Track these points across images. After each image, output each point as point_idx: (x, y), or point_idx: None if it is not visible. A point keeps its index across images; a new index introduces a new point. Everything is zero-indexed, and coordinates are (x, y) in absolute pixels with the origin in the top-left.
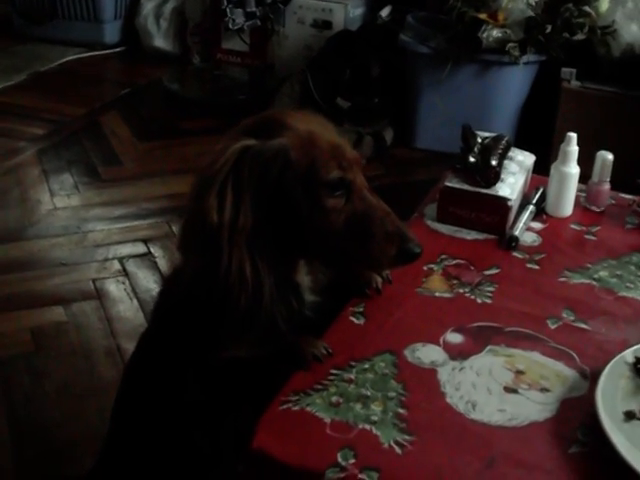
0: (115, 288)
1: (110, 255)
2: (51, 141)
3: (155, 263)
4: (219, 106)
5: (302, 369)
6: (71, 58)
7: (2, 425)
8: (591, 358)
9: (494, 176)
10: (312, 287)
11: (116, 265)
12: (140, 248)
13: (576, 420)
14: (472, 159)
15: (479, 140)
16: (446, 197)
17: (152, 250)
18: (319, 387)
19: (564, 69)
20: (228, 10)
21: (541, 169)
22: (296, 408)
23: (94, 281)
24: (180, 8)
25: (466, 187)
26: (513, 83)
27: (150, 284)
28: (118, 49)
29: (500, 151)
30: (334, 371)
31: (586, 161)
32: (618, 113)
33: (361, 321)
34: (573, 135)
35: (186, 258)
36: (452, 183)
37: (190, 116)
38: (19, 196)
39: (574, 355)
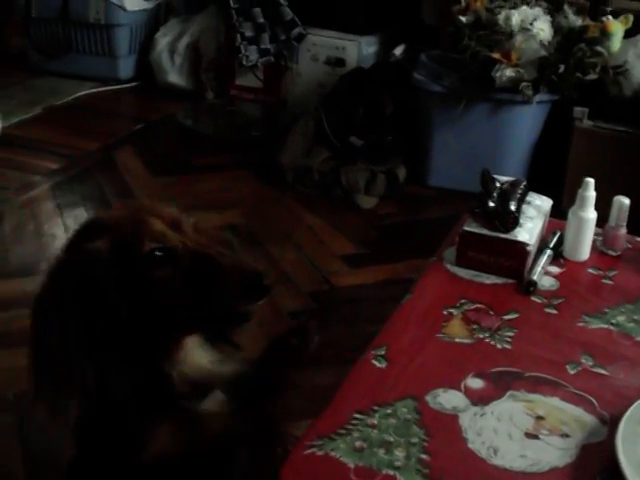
0: None
1: None
2: (65, 175)
3: None
4: (233, 142)
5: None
6: (85, 92)
7: (17, 460)
8: (610, 403)
9: (513, 221)
10: (222, 358)
11: None
12: None
13: (596, 466)
14: (491, 204)
15: (497, 185)
16: (465, 241)
17: None
18: (342, 432)
19: (576, 108)
20: (242, 47)
21: (553, 208)
22: (320, 453)
23: None
24: (194, 44)
25: (485, 232)
26: (526, 122)
27: None
28: (132, 84)
29: (519, 196)
30: (357, 415)
31: (598, 201)
32: (630, 152)
33: (383, 365)
34: (591, 180)
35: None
36: (471, 228)
37: (204, 152)
38: (34, 230)
39: (593, 401)
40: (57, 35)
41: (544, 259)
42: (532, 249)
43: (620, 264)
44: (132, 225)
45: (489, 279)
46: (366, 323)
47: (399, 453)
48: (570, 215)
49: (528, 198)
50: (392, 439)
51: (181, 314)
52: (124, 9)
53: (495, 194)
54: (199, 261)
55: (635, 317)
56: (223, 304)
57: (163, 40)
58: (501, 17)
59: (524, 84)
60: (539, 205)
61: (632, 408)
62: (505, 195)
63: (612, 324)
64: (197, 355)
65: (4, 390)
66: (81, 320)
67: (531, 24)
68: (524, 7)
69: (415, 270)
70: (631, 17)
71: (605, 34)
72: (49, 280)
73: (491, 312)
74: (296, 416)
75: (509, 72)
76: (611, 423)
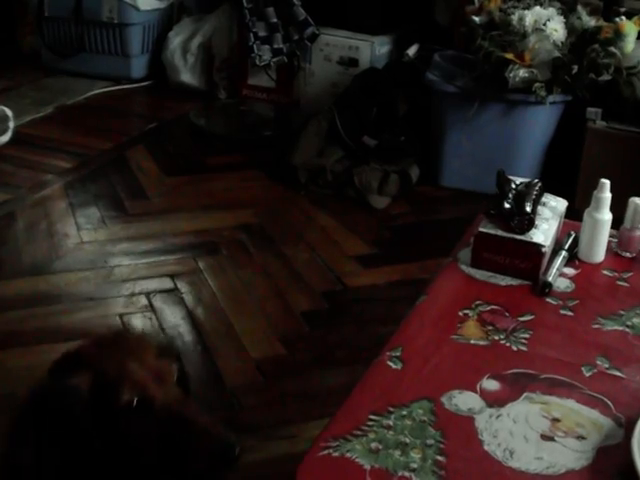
0: (142, 323)
1: (137, 290)
2: (78, 174)
3: (182, 299)
4: (245, 142)
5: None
6: (98, 92)
7: None
8: (626, 406)
9: (528, 222)
10: None
11: (143, 300)
12: (167, 283)
13: (612, 468)
14: (507, 205)
15: (513, 186)
16: (480, 243)
17: (179, 286)
18: (358, 433)
19: (589, 109)
20: (255, 46)
21: (566, 209)
22: (336, 454)
23: (121, 316)
24: (207, 44)
25: (500, 233)
26: (539, 123)
27: (177, 320)
28: (145, 83)
29: (534, 197)
30: (373, 417)
31: (612, 202)
32: None
33: (398, 366)
34: (606, 182)
35: None
36: (486, 229)
37: (216, 152)
38: (46, 229)
39: (609, 403)
40: (70, 34)
41: (559, 261)
42: (547, 250)
43: (635, 266)
44: (114, 368)
45: (504, 280)
46: (379, 323)
47: (415, 455)
48: (585, 216)
49: (543, 199)
50: (408, 440)
51: (149, 463)
52: (137, 8)
53: (510, 195)
54: (173, 421)
55: None
56: (189, 467)
57: (176, 39)
58: (514, 17)
59: (537, 85)
60: (554, 206)
61: None
62: (520, 196)
63: (627, 326)
64: None
65: (17, 388)
66: (56, 449)
67: (544, 25)
68: (537, 7)
69: (428, 271)
70: None
71: (619, 35)
72: (29, 405)
73: (506, 314)
74: (310, 417)
75: (522, 73)
76: (627, 425)
